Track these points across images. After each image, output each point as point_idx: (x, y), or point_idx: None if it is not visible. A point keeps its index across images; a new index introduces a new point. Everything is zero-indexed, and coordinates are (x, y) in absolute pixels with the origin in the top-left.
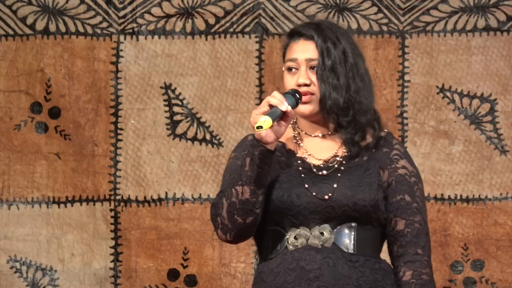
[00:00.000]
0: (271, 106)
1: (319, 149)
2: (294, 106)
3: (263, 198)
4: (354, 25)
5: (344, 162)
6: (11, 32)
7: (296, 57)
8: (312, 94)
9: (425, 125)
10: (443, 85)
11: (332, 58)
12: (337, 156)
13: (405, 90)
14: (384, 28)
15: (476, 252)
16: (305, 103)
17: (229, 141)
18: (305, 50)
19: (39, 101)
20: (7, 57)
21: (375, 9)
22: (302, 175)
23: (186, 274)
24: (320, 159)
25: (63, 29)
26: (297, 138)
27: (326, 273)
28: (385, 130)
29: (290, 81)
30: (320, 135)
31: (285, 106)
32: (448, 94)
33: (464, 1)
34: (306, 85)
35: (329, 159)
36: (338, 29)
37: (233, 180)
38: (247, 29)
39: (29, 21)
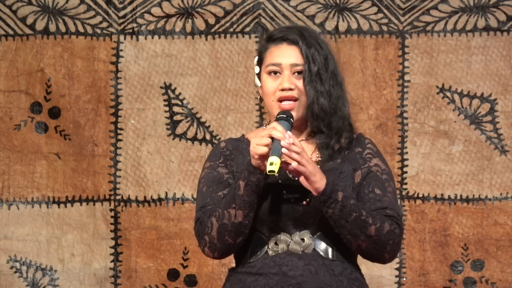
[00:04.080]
0: (272, 138)
1: None
2: (290, 130)
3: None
4: (354, 25)
5: (318, 166)
6: (11, 32)
7: (280, 62)
8: (296, 99)
9: (425, 125)
10: (443, 85)
11: (317, 64)
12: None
13: (405, 90)
14: (384, 28)
15: (476, 252)
16: (289, 110)
17: None
18: (289, 55)
19: (39, 101)
20: (7, 57)
21: (375, 9)
22: (279, 181)
23: (186, 274)
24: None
25: (63, 29)
26: None
27: (308, 280)
28: (356, 132)
29: (272, 84)
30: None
31: (287, 140)
32: (448, 94)
33: (464, 1)
34: (290, 89)
35: None
36: (318, 36)
37: (224, 201)
38: (247, 29)
39: (29, 21)
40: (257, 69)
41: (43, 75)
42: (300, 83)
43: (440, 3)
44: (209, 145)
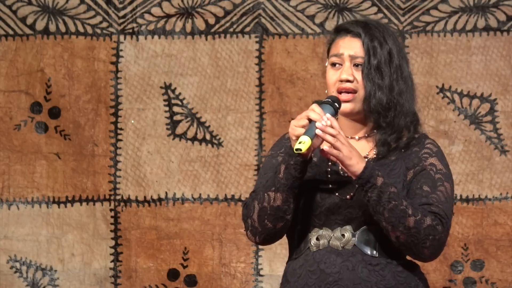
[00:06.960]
0: (310, 120)
1: None
2: (333, 115)
3: (294, 205)
4: None
5: (371, 162)
6: (11, 32)
7: (342, 52)
8: (355, 91)
9: (425, 125)
10: (443, 85)
11: (378, 57)
12: (367, 157)
13: None
14: None
15: (476, 252)
16: (346, 101)
17: (229, 141)
18: (351, 47)
19: (39, 101)
20: (7, 57)
21: (375, 9)
22: (329, 176)
23: (186, 274)
24: None
25: (63, 29)
26: None
27: (345, 277)
28: (420, 132)
29: (333, 76)
30: (357, 137)
31: (324, 122)
32: (448, 94)
33: (464, 1)
34: (348, 81)
35: None
36: (386, 30)
37: (266, 184)
38: (247, 29)
39: (29, 21)
40: (326, 62)
41: (43, 75)
42: (360, 76)
43: (440, 3)
44: (209, 145)
